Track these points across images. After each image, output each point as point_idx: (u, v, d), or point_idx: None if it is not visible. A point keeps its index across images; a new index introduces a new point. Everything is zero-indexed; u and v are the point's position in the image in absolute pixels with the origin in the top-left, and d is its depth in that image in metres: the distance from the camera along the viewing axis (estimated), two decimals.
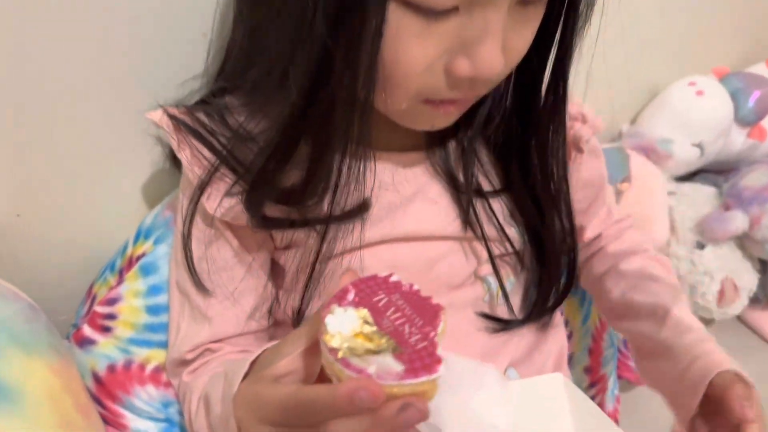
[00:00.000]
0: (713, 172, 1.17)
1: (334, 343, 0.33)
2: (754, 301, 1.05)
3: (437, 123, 0.50)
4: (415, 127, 0.51)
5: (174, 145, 0.53)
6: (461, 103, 0.48)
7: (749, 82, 1.08)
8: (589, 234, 0.69)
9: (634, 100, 1.12)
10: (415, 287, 0.37)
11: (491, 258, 0.58)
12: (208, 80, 0.61)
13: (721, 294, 0.98)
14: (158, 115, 0.54)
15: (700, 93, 1.04)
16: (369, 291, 0.37)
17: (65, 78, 0.59)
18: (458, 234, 0.57)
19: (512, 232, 0.58)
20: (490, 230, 0.57)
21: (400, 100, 0.46)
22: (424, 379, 0.31)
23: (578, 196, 0.61)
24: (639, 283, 0.66)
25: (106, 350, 0.62)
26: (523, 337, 0.63)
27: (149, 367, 0.61)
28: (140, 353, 0.62)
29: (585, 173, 0.63)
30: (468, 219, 0.56)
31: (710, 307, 0.99)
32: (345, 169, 0.49)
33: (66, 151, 0.63)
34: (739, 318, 1.07)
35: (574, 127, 0.61)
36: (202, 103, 0.58)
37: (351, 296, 0.36)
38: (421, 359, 0.32)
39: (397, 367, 0.32)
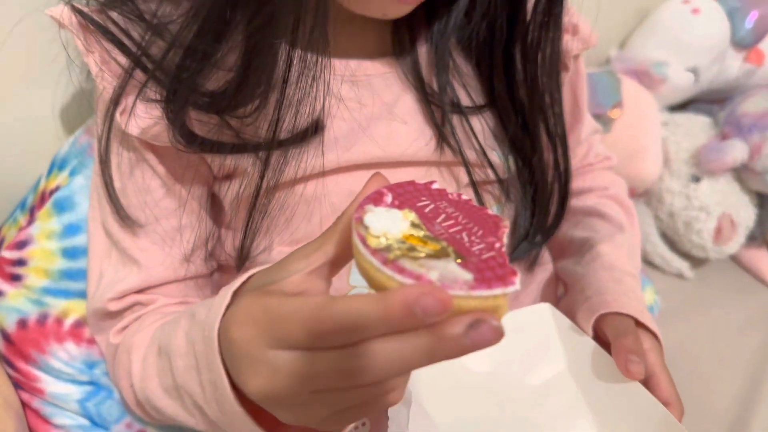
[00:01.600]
0: (707, 101, 1.09)
1: (380, 244, 0.26)
2: (750, 239, 0.98)
3: (389, 12, 0.41)
4: (365, 14, 0.41)
5: (82, 49, 0.42)
6: None
7: (747, 1, 0.99)
8: None
9: (622, 21, 1.02)
10: (465, 197, 0.31)
11: (472, 183, 0.49)
12: None
13: (718, 231, 0.91)
14: (60, 11, 0.43)
15: (695, 11, 0.94)
16: (409, 195, 0.30)
17: None
18: (432, 158, 0.48)
19: (494, 156, 0.49)
20: (469, 152, 0.48)
21: None
22: (498, 291, 0.25)
23: None
24: (583, 220, 0.59)
25: (16, 303, 0.52)
26: None
27: (68, 321, 0.52)
28: (57, 305, 0.52)
29: (564, 96, 0.54)
30: (442, 136, 0.47)
31: (705, 245, 0.92)
32: (293, 66, 0.39)
33: None
34: (733, 257, 1.00)
35: (563, 39, 0.51)
36: None
37: (389, 199, 0.29)
38: (492, 269, 0.26)
39: (465, 275, 0.25)
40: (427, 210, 0.30)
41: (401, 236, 0.28)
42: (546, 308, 0.48)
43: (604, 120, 0.84)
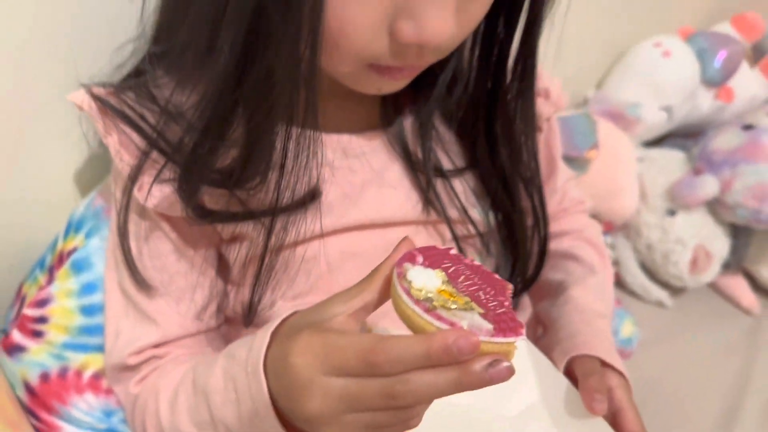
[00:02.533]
0: (681, 136, 1.15)
1: (421, 296, 0.33)
2: (726, 267, 1.03)
3: (384, 88, 0.46)
4: (361, 91, 0.46)
5: (100, 130, 0.47)
6: (409, 70, 0.44)
7: (715, 41, 1.05)
8: None
9: (599, 63, 1.08)
10: (477, 262, 0.38)
11: (455, 238, 0.54)
12: (143, 44, 0.55)
13: (694, 262, 0.96)
14: (80, 97, 0.48)
15: (666, 54, 1.01)
16: (436, 258, 0.37)
17: None
18: (420, 218, 0.53)
19: (475, 213, 0.54)
20: (452, 212, 0.53)
21: (342, 62, 0.42)
22: (512, 339, 0.32)
23: None
24: (558, 262, 0.64)
25: (39, 357, 0.56)
26: None
27: (87, 374, 0.56)
28: (76, 359, 0.56)
29: (540, 153, 0.59)
30: (428, 199, 0.51)
31: (682, 275, 0.97)
32: (290, 147, 0.44)
33: None
34: (711, 285, 1.06)
35: (537, 103, 0.56)
36: (135, 75, 0.51)
37: (420, 260, 0.36)
38: (506, 322, 0.33)
39: (486, 325, 0.32)
40: (450, 271, 0.36)
41: (436, 290, 0.34)
42: (522, 345, 0.52)
43: (581, 161, 0.89)
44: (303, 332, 0.36)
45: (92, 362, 0.56)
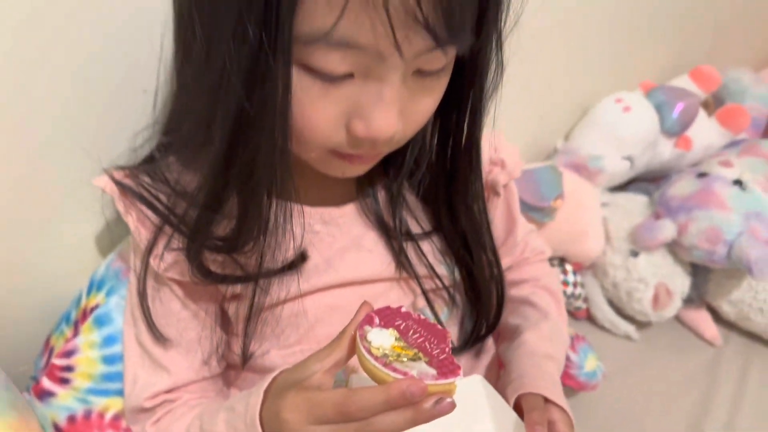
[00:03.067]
0: (646, 180, 1.24)
1: (379, 353, 0.43)
2: (689, 301, 1.11)
3: (347, 172, 0.54)
4: (328, 173, 0.55)
5: (121, 210, 0.56)
6: (365, 158, 0.53)
7: (672, 95, 1.15)
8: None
9: (567, 117, 1.18)
10: (422, 316, 0.48)
11: (424, 293, 0.63)
12: (156, 132, 0.64)
13: (656, 299, 1.05)
14: (104, 181, 0.57)
15: (627, 109, 1.11)
16: (389, 317, 0.47)
17: (16, 133, 0.61)
18: (393, 275, 0.62)
19: (442, 269, 0.63)
20: (420, 269, 0.62)
21: (308, 150, 0.51)
22: (452, 379, 0.42)
23: (495, 233, 0.66)
24: (517, 308, 0.73)
25: (66, 402, 0.64)
26: (460, 362, 0.67)
27: (108, 415, 0.64)
28: (99, 402, 0.64)
29: (500, 213, 0.68)
30: (400, 262, 0.61)
31: (646, 311, 1.06)
32: (272, 217, 0.53)
33: (18, 205, 0.65)
34: (677, 318, 1.14)
35: (493, 172, 0.66)
36: (149, 159, 0.61)
37: (377, 321, 0.46)
38: (446, 366, 0.43)
39: (431, 371, 0.42)
40: (401, 327, 0.46)
41: (391, 347, 0.44)
42: (478, 380, 0.60)
43: (548, 210, 0.98)
44: (290, 392, 0.45)
45: (113, 405, 0.65)
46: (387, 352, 0.43)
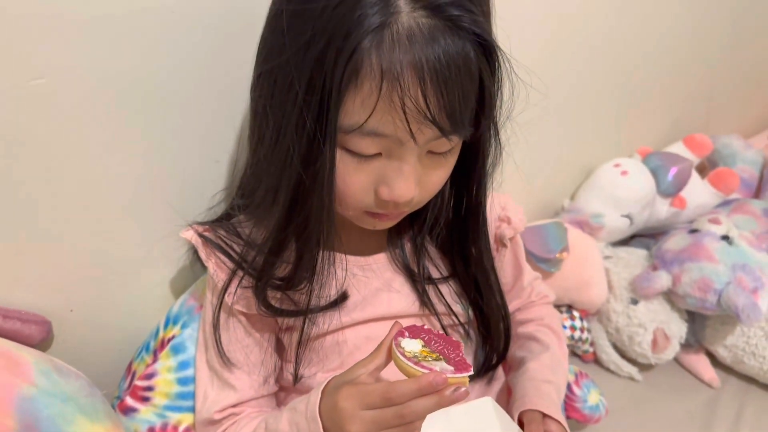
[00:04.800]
0: (647, 236, 1.37)
1: (410, 354, 0.57)
2: (687, 345, 1.22)
3: (378, 226, 0.69)
4: (363, 226, 0.69)
5: (203, 256, 0.71)
6: (391, 216, 0.67)
7: (667, 160, 1.29)
8: (510, 308, 0.87)
9: (572, 179, 1.32)
10: (441, 332, 0.63)
11: (443, 328, 0.76)
12: (230, 194, 0.80)
13: (654, 342, 1.15)
14: (190, 234, 0.72)
15: (624, 173, 1.24)
16: (416, 332, 0.61)
17: (110, 192, 0.76)
18: (418, 312, 0.75)
19: (458, 308, 0.76)
20: (440, 307, 0.75)
21: (347, 209, 0.65)
22: (465, 374, 0.55)
23: (504, 279, 0.80)
24: (524, 343, 0.85)
25: (146, 416, 0.78)
26: (474, 389, 0.80)
27: (181, 428, 0.77)
28: (174, 417, 0.78)
29: (508, 261, 0.82)
30: (423, 301, 0.74)
31: (646, 354, 1.16)
32: (320, 262, 0.67)
33: (107, 256, 0.80)
34: (677, 361, 1.24)
35: (501, 227, 0.80)
36: (225, 217, 0.76)
37: (407, 334, 0.61)
38: (460, 364, 0.57)
39: (450, 368, 0.56)
40: (426, 339, 0.61)
41: (419, 351, 0.58)
42: (488, 401, 0.72)
43: (554, 261, 1.11)
44: (343, 387, 0.58)
45: (185, 419, 0.78)
46: (416, 354, 0.57)
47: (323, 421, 0.60)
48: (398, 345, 0.58)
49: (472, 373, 0.56)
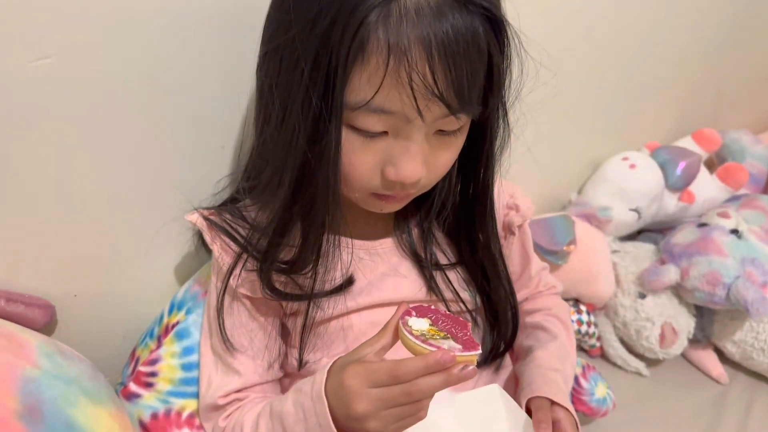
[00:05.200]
0: (655, 231, 1.36)
1: (418, 332, 0.56)
2: (695, 341, 1.21)
3: (385, 209, 0.68)
4: (369, 209, 0.68)
5: (208, 240, 0.70)
6: (398, 198, 0.66)
7: (676, 154, 1.28)
8: (518, 298, 0.86)
9: (580, 173, 1.31)
10: (447, 312, 0.62)
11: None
12: (235, 179, 0.80)
13: (662, 337, 1.14)
14: (194, 217, 0.71)
15: (632, 166, 1.23)
16: (423, 311, 0.60)
17: (111, 183, 0.75)
18: (424, 298, 0.74)
19: (466, 295, 0.75)
20: (447, 294, 0.74)
21: (353, 191, 0.64)
22: (473, 352, 0.54)
23: (512, 268, 0.79)
24: (532, 332, 0.84)
25: (150, 402, 0.77)
26: (482, 376, 0.79)
27: (185, 414, 0.77)
28: (177, 403, 0.77)
29: (516, 250, 0.81)
30: (430, 287, 0.73)
31: (654, 348, 1.15)
32: (326, 245, 0.67)
33: (112, 241, 0.80)
34: (685, 356, 1.23)
35: (510, 215, 0.79)
36: (231, 200, 0.75)
37: (414, 313, 0.60)
38: (468, 343, 0.56)
39: (458, 346, 0.55)
40: (433, 318, 0.59)
41: (426, 329, 0.57)
42: (495, 388, 0.71)
43: (562, 254, 1.10)
44: (350, 365, 0.58)
45: (189, 405, 0.77)
46: (424, 332, 0.56)
47: (329, 400, 0.59)
48: (405, 324, 0.57)
49: (480, 351, 0.55)
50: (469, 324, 0.60)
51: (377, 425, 0.56)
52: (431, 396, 0.55)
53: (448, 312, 0.61)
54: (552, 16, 1.06)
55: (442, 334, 0.57)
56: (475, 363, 0.54)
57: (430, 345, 0.54)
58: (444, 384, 0.53)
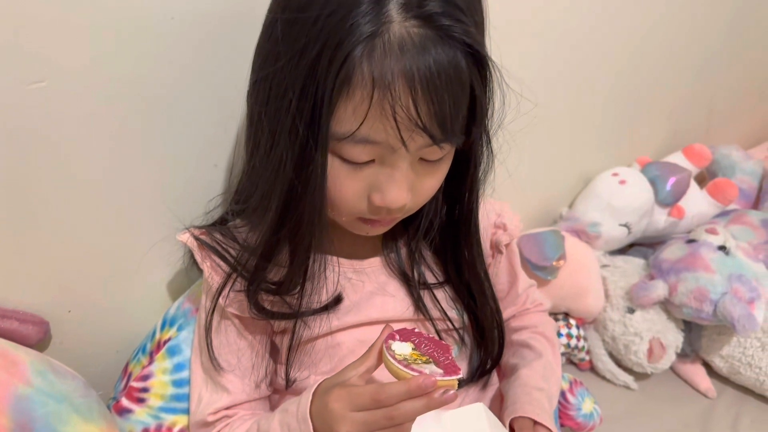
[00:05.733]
0: (645, 245, 1.37)
1: (401, 357, 0.58)
2: (683, 355, 1.22)
3: (371, 232, 0.69)
4: (356, 232, 0.70)
5: (198, 259, 0.72)
6: (384, 222, 0.68)
7: (666, 169, 1.29)
8: (505, 315, 0.88)
9: (571, 188, 1.33)
10: (431, 335, 0.64)
11: (437, 333, 0.76)
12: (226, 199, 0.81)
13: (650, 352, 1.16)
14: (186, 237, 0.73)
15: (622, 182, 1.25)
16: (406, 335, 0.62)
17: (105, 201, 0.77)
18: (412, 317, 0.75)
19: (453, 313, 0.77)
20: (435, 312, 0.76)
21: (340, 215, 0.66)
22: (454, 377, 0.56)
23: (499, 286, 0.80)
24: (517, 350, 0.86)
25: (141, 417, 0.78)
26: (468, 394, 0.80)
27: (175, 429, 0.78)
28: (168, 419, 0.78)
29: (503, 268, 0.82)
30: (418, 306, 0.75)
31: (642, 363, 1.16)
32: (314, 267, 0.68)
33: (106, 258, 0.81)
34: (673, 370, 1.24)
35: (497, 234, 0.81)
36: (221, 222, 0.77)
37: (397, 337, 0.61)
38: (450, 368, 0.57)
39: (439, 370, 0.56)
40: (416, 342, 0.61)
41: (409, 354, 0.58)
42: (480, 407, 0.72)
43: (551, 269, 1.11)
44: (334, 389, 0.59)
45: (179, 421, 0.78)
46: (407, 357, 0.58)
47: (314, 422, 0.60)
48: (389, 348, 0.59)
49: (461, 376, 0.56)
50: (452, 348, 0.62)
51: None
52: (413, 419, 0.57)
53: (431, 336, 0.63)
54: (543, 30, 1.07)
55: (424, 359, 0.58)
56: (456, 387, 0.55)
57: (412, 370, 0.56)
58: (425, 408, 0.55)
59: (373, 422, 0.56)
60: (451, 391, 0.54)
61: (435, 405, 0.54)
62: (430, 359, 0.58)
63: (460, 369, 0.57)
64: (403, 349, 0.59)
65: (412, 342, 0.61)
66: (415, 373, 0.55)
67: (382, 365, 0.60)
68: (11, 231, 0.72)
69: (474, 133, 0.62)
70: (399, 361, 0.57)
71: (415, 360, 0.58)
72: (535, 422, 0.72)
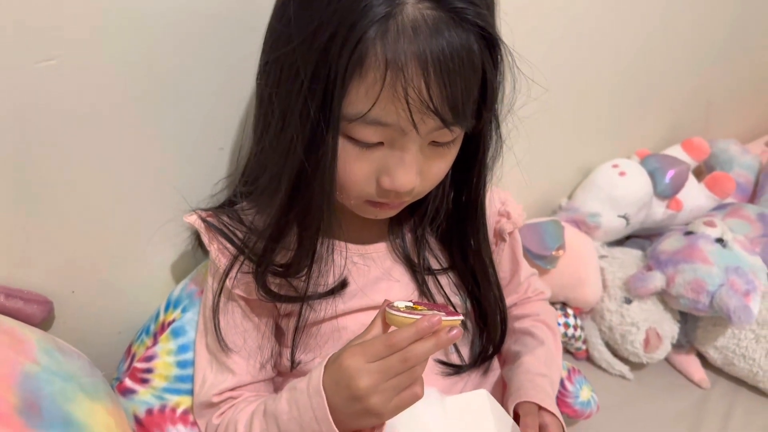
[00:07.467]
0: (643, 237, 1.38)
1: (403, 308, 0.60)
2: (678, 346, 1.23)
3: (379, 215, 0.70)
4: (364, 216, 0.70)
5: (206, 241, 0.72)
6: (392, 205, 0.68)
7: (665, 162, 1.30)
8: (507, 303, 0.88)
9: (571, 179, 1.34)
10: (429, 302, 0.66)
11: None
12: (233, 181, 0.81)
13: (646, 342, 1.17)
14: (193, 218, 0.73)
15: (622, 174, 1.26)
16: (404, 298, 0.65)
17: (111, 182, 0.77)
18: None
19: (456, 299, 0.77)
20: (439, 298, 0.76)
21: (349, 198, 0.66)
22: (457, 317, 0.59)
23: (501, 274, 0.81)
24: (519, 338, 0.86)
25: (145, 398, 0.79)
26: (470, 379, 0.81)
27: (179, 410, 0.78)
28: (172, 399, 0.79)
29: (506, 256, 0.83)
30: (422, 291, 0.75)
31: (638, 353, 1.18)
32: (320, 249, 0.69)
33: (110, 239, 0.81)
34: (668, 361, 1.25)
35: (500, 222, 0.81)
36: (228, 204, 0.77)
37: (395, 303, 0.62)
38: (451, 312, 0.60)
39: (441, 313, 0.58)
40: (414, 301, 0.63)
41: (411, 305, 0.62)
42: (483, 393, 0.73)
43: (550, 258, 1.12)
44: (346, 349, 0.60)
45: (183, 402, 0.79)
46: (409, 307, 0.61)
47: (327, 394, 0.60)
48: (390, 305, 0.61)
49: (462, 317, 0.59)
50: (449, 308, 0.64)
51: (379, 400, 0.58)
52: (426, 360, 0.58)
53: (427, 301, 0.66)
54: (547, 26, 1.08)
55: (425, 309, 0.61)
56: (459, 326, 0.58)
57: (417, 315, 0.58)
58: (435, 347, 0.57)
59: (388, 368, 0.57)
60: (456, 329, 0.57)
61: (443, 343, 0.57)
62: (431, 309, 0.61)
63: (459, 313, 0.60)
64: (403, 304, 0.62)
65: (411, 300, 0.64)
66: (419, 317, 0.57)
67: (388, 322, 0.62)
68: (17, 211, 0.72)
69: (484, 117, 0.62)
70: (402, 311, 0.59)
71: (417, 308, 0.60)
72: (540, 407, 0.73)
